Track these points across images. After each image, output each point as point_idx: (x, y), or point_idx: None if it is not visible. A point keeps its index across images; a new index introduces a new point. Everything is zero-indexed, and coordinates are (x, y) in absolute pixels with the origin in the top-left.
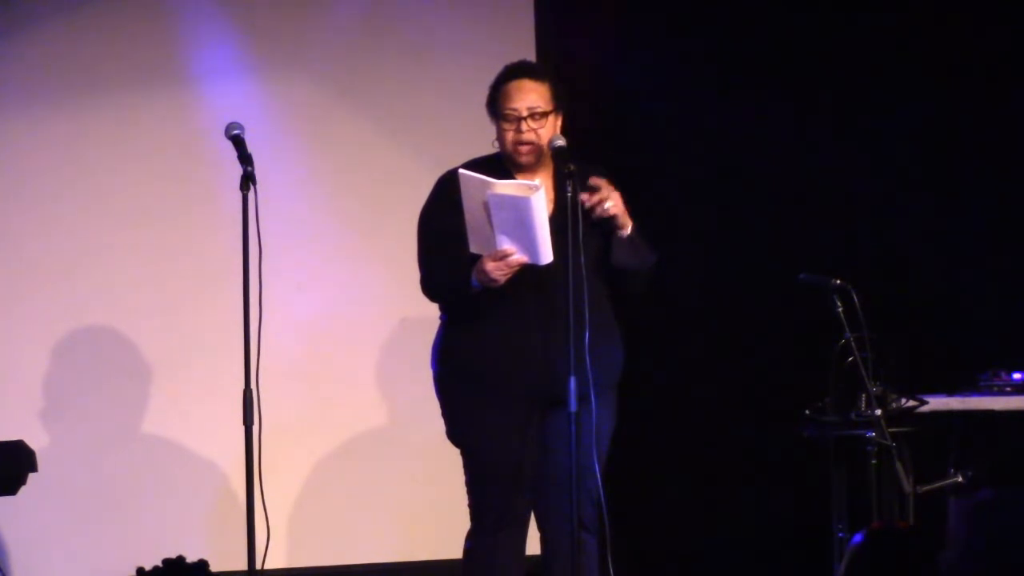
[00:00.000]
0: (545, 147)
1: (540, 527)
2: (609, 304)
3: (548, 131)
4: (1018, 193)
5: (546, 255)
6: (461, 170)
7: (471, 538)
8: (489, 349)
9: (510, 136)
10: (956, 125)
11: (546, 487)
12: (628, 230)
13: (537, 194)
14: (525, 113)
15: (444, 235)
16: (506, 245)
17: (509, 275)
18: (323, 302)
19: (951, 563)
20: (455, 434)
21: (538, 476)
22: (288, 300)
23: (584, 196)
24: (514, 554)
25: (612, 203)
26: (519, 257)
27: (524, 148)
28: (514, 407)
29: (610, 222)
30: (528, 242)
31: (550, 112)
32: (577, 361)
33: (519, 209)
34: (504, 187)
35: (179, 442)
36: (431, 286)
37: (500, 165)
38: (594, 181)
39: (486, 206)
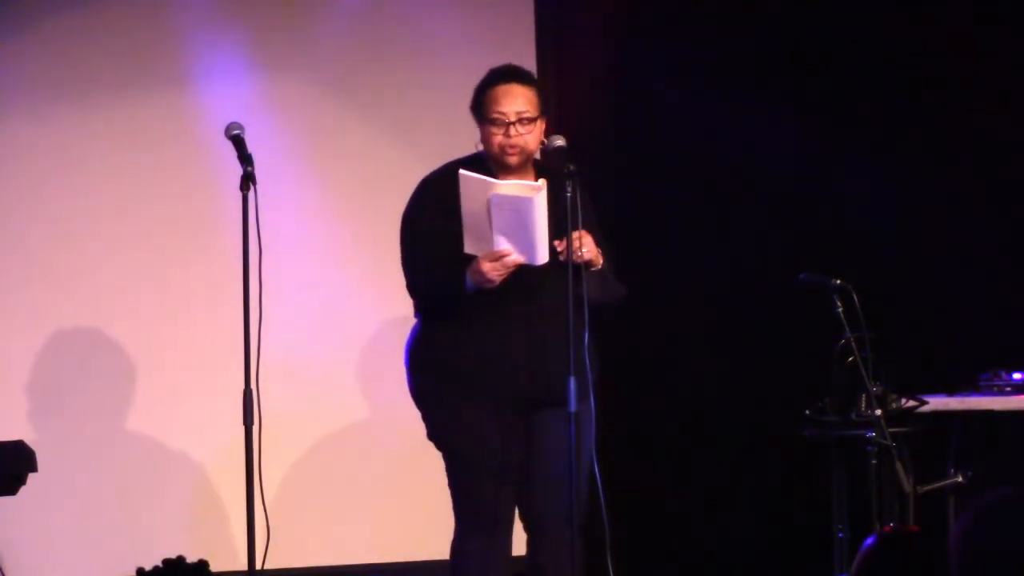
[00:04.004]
0: (531, 151)
1: (526, 528)
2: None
3: (535, 136)
4: (1018, 193)
5: (543, 255)
6: (462, 171)
7: (457, 541)
8: (469, 350)
9: (498, 140)
10: (957, 125)
11: (532, 488)
12: (599, 266)
13: (540, 195)
14: (514, 118)
15: (435, 237)
16: (503, 245)
17: (505, 275)
18: (323, 302)
19: (964, 566)
20: (436, 436)
21: (524, 477)
22: (288, 300)
23: (557, 243)
24: (500, 556)
25: (586, 249)
26: (516, 258)
27: (511, 152)
28: (497, 409)
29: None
30: (526, 243)
31: (537, 117)
32: (574, 361)
33: (520, 209)
34: (507, 187)
35: (179, 442)
36: (421, 288)
37: (483, 166)
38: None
39: (488, 206)
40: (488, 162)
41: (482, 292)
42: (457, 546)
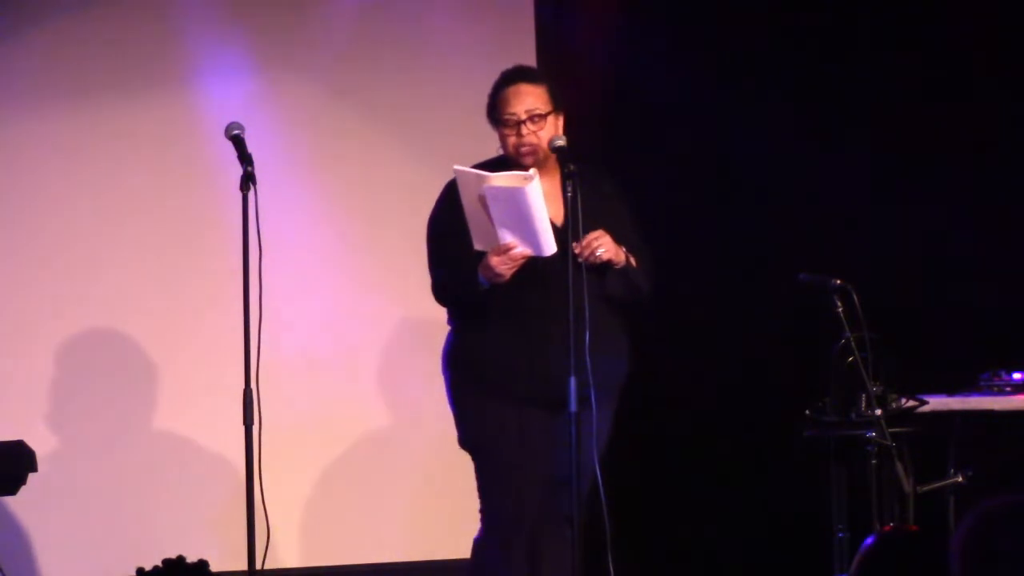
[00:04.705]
0: (547, 149)
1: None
2: (614, 309)
3: (548, 132)
4: (1018, 193)
5: (548, 246)
6: (456, 166)
7: (482, 542)
8: (494, 353)
9: (511, 140)
10: (957, 126)
11: (539, 486)
12: (621, 263)
13: (532, 184)
14: (524, 116)
15: (452, 238)
16: (508, 238)
17: (514, 268)
18: (323, 302)
19: (965, 567)
20: (467, 439)
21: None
22: (288, 300)
23: (576, 247)
24: (522, 556)
25: (603, 249)
26: (522, 250)
27: (525, 150)
28: (520, 408)
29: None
30: (529, 233)
31: (549, 113)
32: (577, 362)
33: (516, 201)
34: (499, 179)
35: (179, 442)
36: (441, 290)
37: (506, 166)
38: (587, 240)
39: (483, 200)
40: (510, 163)
41: (499, 290)
42: (479, 546)
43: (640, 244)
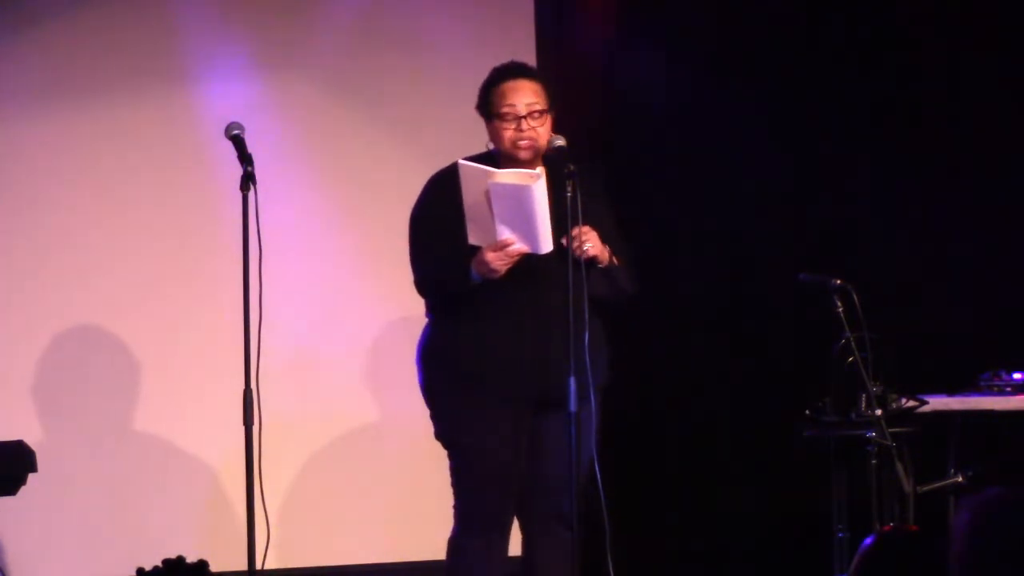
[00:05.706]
0: (542, 145)
1: (523, 528)
2: (596, 308)
3: (546, 130)
4: (1018, 193)
5: (546, 244)
6: (461, 161)
7: (455, 539)
8: (477, 349)
9: (509, 134)
10: (958, 126)
11: (533, 488)
12: (605, 262)
13: (538, 183)
14: (524, 111)
15: (439, 232)
16: (506, 235)
17: (509, 265)
18: (323, 301)
19: (961, 564)
20: (443, 434)
21: (525, 476)
22: (288, 300)
23: (565, 240)
24: (498, 556)
25: (591, 244)
26: (519, 247)
27: (524, 144)
28: (503, 406)
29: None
30: (528, 231)
31: (546, 111)
32: (574, 361)
33: (520, 198)
34: (505, 176)
35: (179, 442)
36: (427, 283)
37: (494, 163)
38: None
39: (487, 195)
40: (499, 159)
41: (488, 286)
42: (455, 544)
43: (623, 246)
